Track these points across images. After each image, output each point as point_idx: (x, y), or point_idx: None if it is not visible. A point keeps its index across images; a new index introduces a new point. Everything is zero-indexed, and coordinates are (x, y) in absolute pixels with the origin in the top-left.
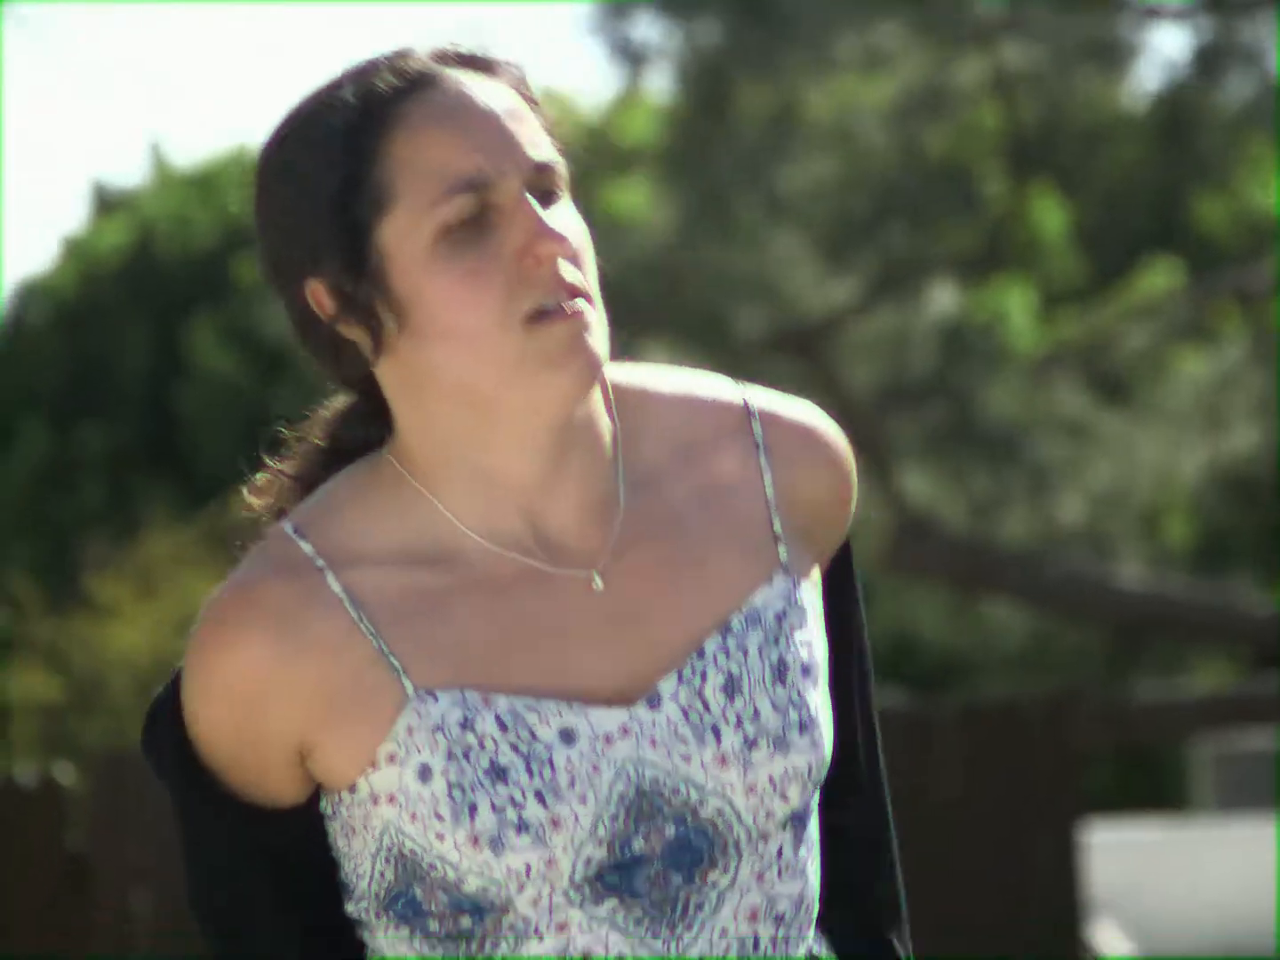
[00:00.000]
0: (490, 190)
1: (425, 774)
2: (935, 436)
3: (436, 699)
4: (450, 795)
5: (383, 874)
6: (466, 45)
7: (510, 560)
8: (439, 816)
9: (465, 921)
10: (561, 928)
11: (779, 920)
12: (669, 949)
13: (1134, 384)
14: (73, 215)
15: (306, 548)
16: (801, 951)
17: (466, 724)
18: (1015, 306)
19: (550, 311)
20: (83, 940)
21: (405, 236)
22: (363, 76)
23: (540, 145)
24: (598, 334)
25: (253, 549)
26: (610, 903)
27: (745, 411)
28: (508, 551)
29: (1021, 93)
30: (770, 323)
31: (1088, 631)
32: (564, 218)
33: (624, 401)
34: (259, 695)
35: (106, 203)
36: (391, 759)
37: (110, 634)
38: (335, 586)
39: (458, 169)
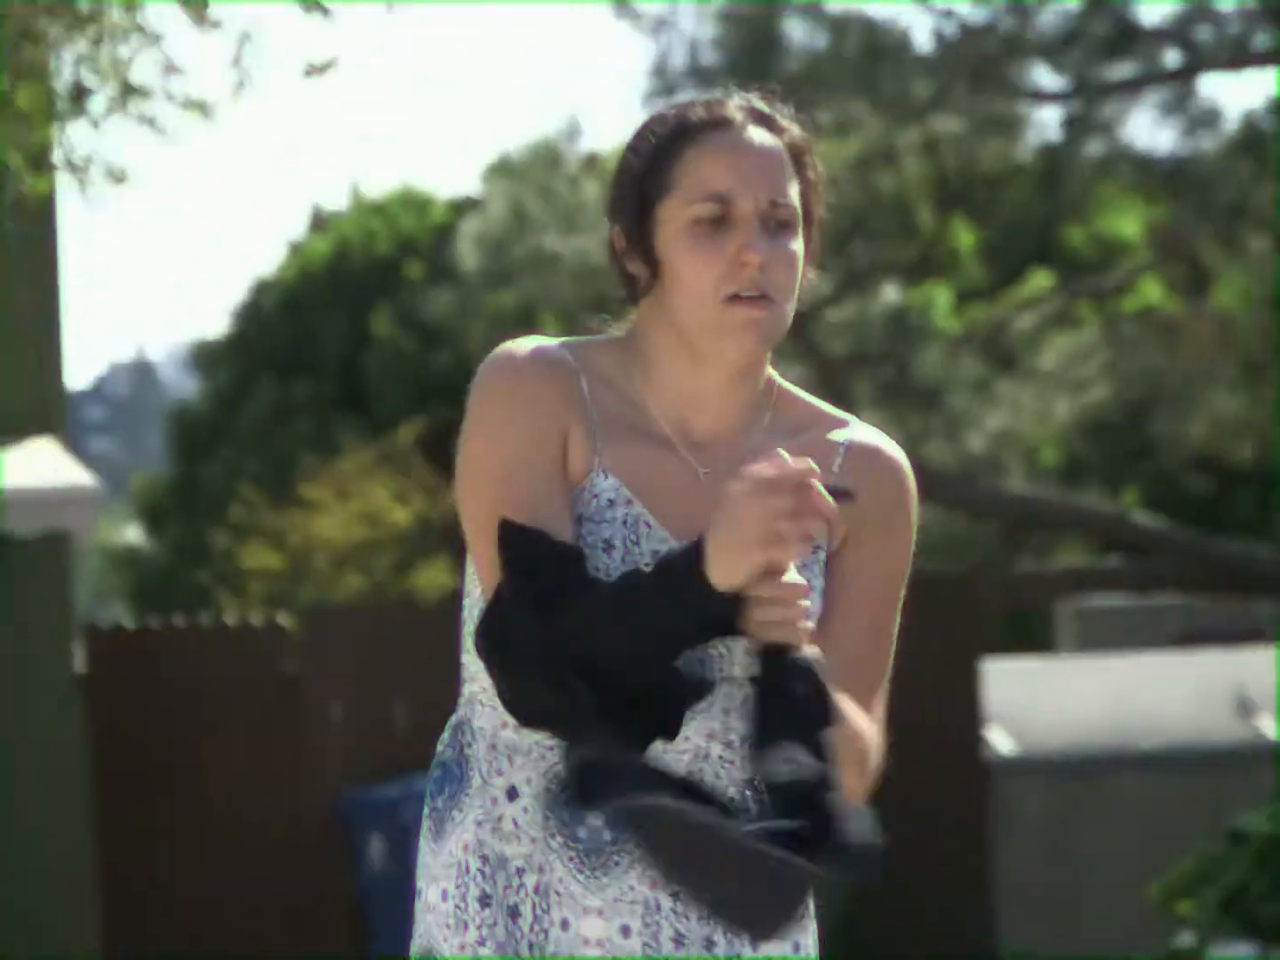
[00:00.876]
0: (731, 206)
1: (579, 520)
2: (884, 390)
3: (606, 477)
4: (584, 539)
5: None
6: (765, 105)
7: (669, 437)
8: None
9: None
10: None
11: (728, 745)
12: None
13: (1020, 356)
14: (295, 229)
15: (569, 354)
16: (739, 775)
17: (611, 504)
18: (939, 301)
19: (743, 298)
20: (294, 739)
21: (672, 216)
22: (688, 108)
23: (781, 189)
24: (772, 327)
25: (528, 339)
26: None
27: (843, 423)
28: (670, 430)
29: (945, 150)
30: None
31: (988, 525)
32: (781, 244)
33: (784, 393)
34: (545, 400)
35: (319, 220)
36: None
37: (315, 523)
38: (583, 380)
39: (715, 184)
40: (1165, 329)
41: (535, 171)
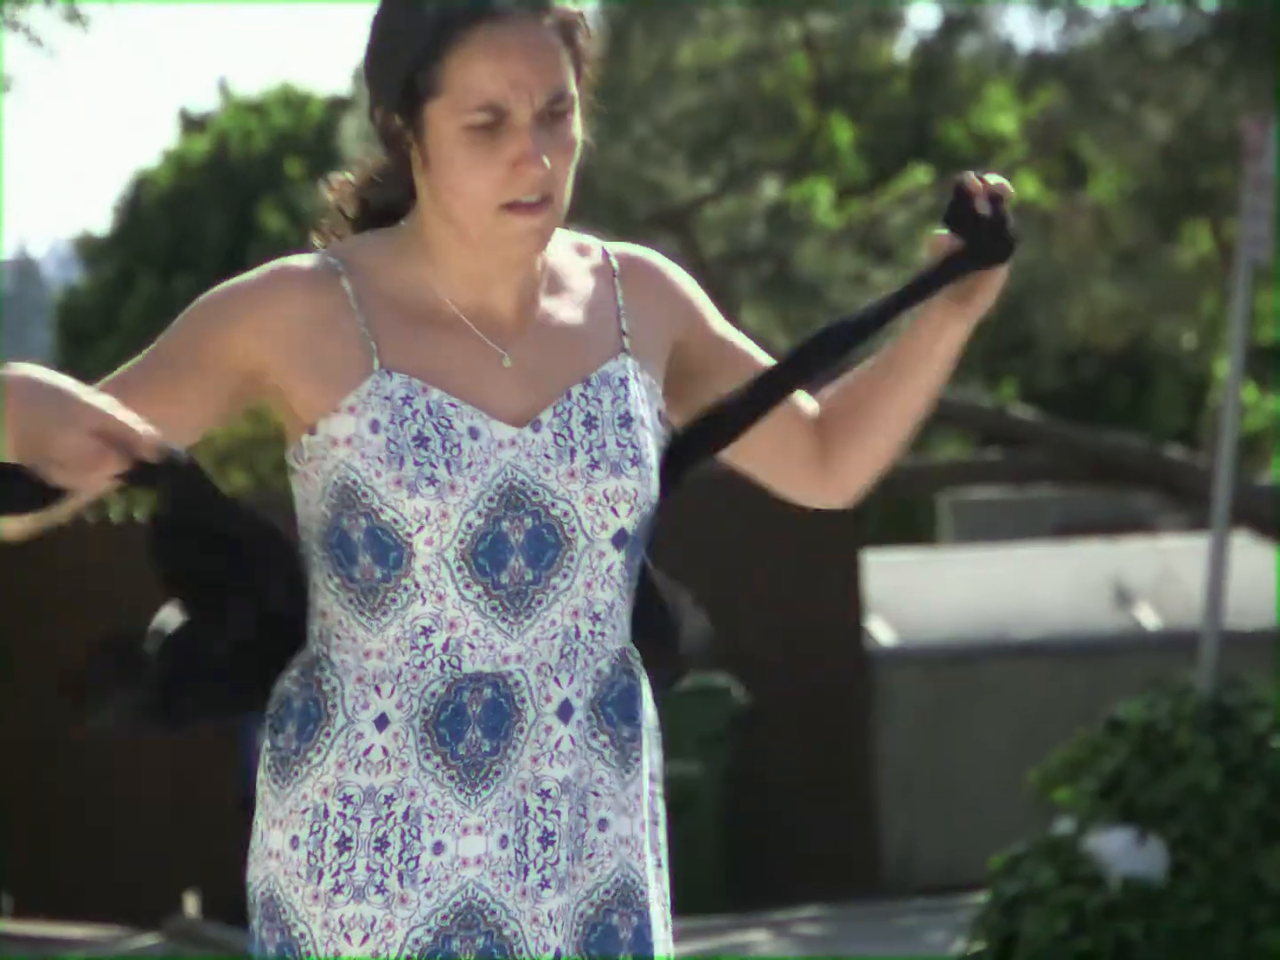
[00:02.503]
0: (506, 114)
1: (374, 427)
2: (764, 285)
3: (392, 377)
4: (388, 446)
5: (324, 514)
6: None
7: (463, 321)
8: (379, 460)
9: (377, 573)
10: (440, 599)
11: (595, 618)
12: (510, 632)
13: (898, 249)
14: (169, 128)
15: (332, 259)
16: (613, 647)
17: (407, 400)
18: (819, 196)
19: (522, 205)
20: None
21: (442, 118)
22: None
23: (557, 84)
24: (552, 226)
25: (289, 257)
26: (477, 589)
27: (606, 255)
28: (464, 315)
29: (824, 48)
30: (654, 207)
31: None
32: (559, 134)
33: (551, 247)
34: (252, 323)
35: (190, 122)
36: (351, 410)
37: None
38: (345, 284)
39: (486, 94)
40: (1042, 222)
41: None
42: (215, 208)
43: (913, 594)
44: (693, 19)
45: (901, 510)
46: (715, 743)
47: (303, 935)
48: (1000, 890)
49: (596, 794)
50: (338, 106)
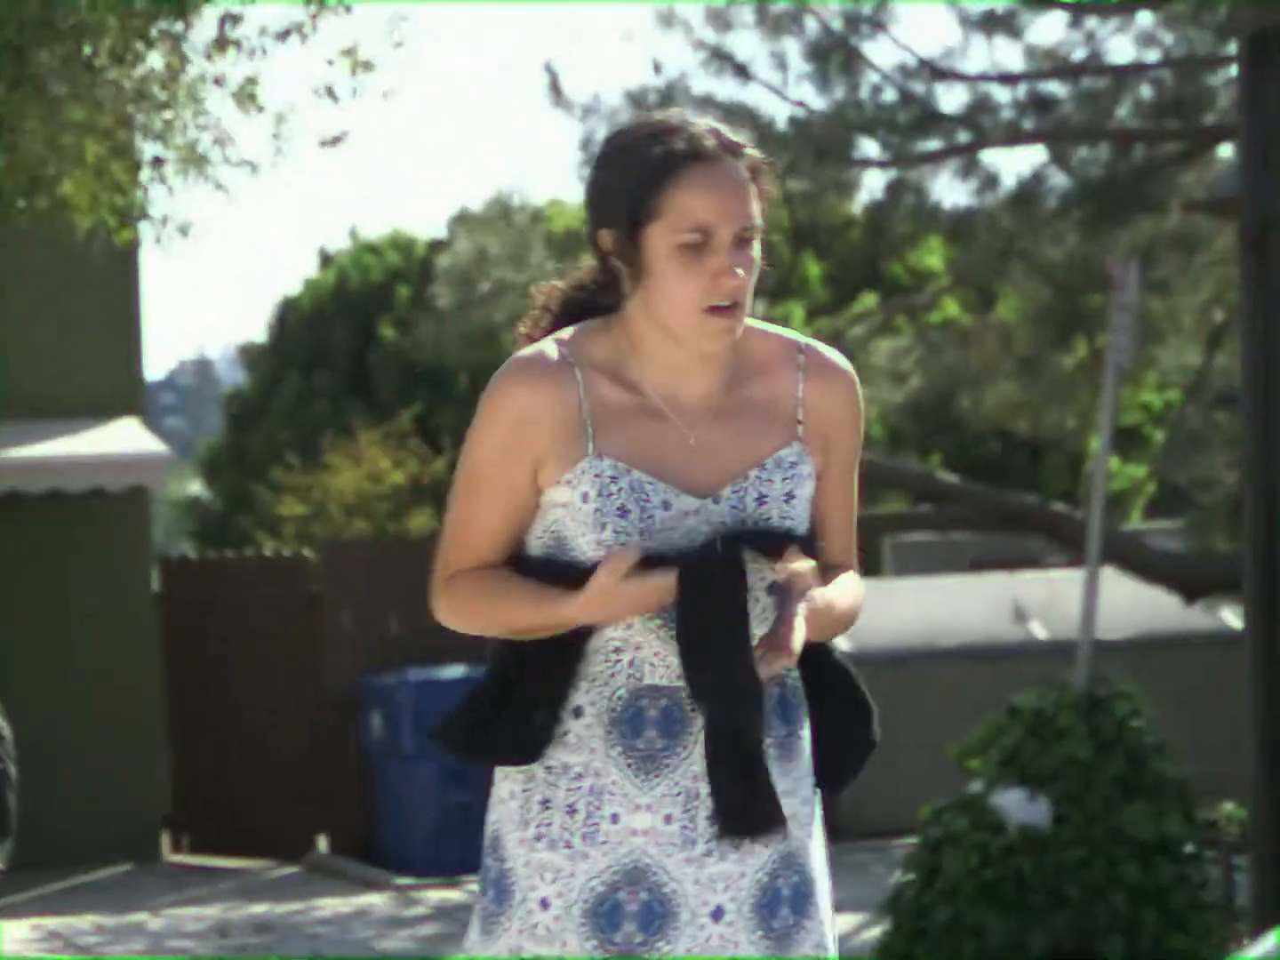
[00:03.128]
0: (712, 235)
1: (585, 498)
2: None
3: (602, 460)
4: (594, 514)
5: (541, 547)
6: (729, 133)
7: (661, 408)
8: (586, 524)
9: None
10: (629, 626)
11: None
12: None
13: (855, 356)
14: (307, 264)
15: (566, 351)
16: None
17: (614, 479)
18: (794, 315)
19: (720, 309)
20: (316, 641)
21: (659, 237)
22: (673, 135)
23: (749, 214)
24: (740, 326)
25: (534, 346)
26: (659, 620)
27: (797, 347)
28: (662, 402)
29: (797, 204)
30: None
31: None
32: (747, 255)
33: (749, 335)
34: (525, 419)
35: (326, 257)
36: (569, 483)
37: (333, 481)
38: (577, 374)
39: (699, 218)
40: (961, 336)
41: (492, 220)
42: (341, 323)
43: (864, 613)
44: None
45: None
46: None
47: (511, 869)
48: (927, 835)
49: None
50: (435, 246)
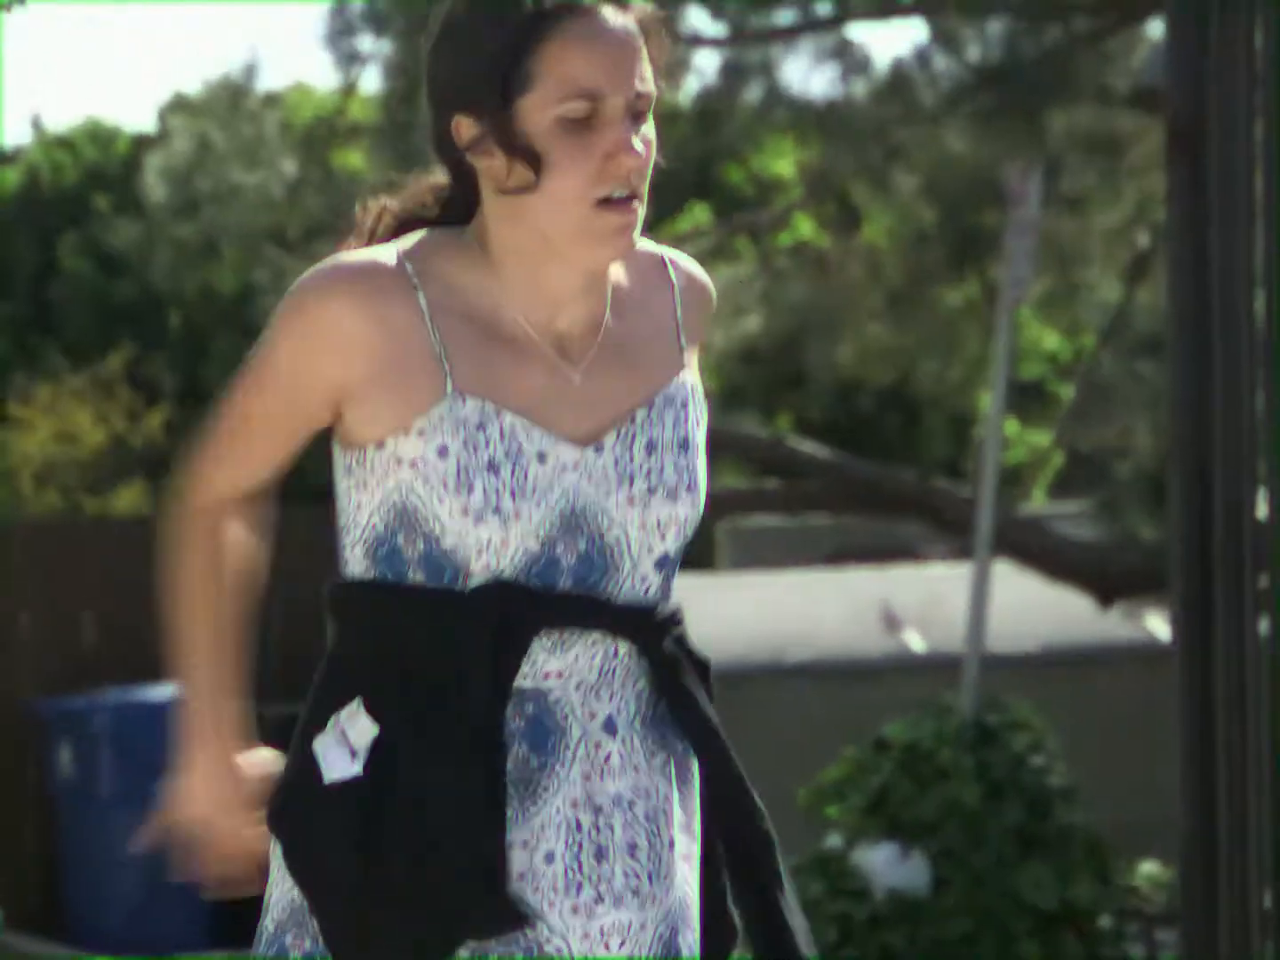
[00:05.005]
0: (600, 103)
1: (443, 452)
2: None
3: (465, 402)
4: (457, 472)
5: (374, 525)
6: None
7: (534, 339)
8: (445, 485)
9: (419, 578)
10: None
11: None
12: (552, 649)
13: None
14: None
15: (409, 266)
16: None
17: (481, 426)
18: None
19: (614, 201)
20: None
21: (536, 110)
22: None
23: (643, 77)
24: (638, 227)
25: (368, 250)
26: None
27: (664, 260)
28: (534, 333)
29: None
30: None
31: None
32: (644, 133)
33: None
34: (340, 344)
35: (3, 155)
36: (421, 433)
37: (19, 439)
38: (421, 298)
39: (582, 82)
40: (817, 263)
41: (217, 108)
42: (24, 238)
43: (693, 618)
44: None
45: None
46: None
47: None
48: None
49: (667, 813)
50: (141, 142)
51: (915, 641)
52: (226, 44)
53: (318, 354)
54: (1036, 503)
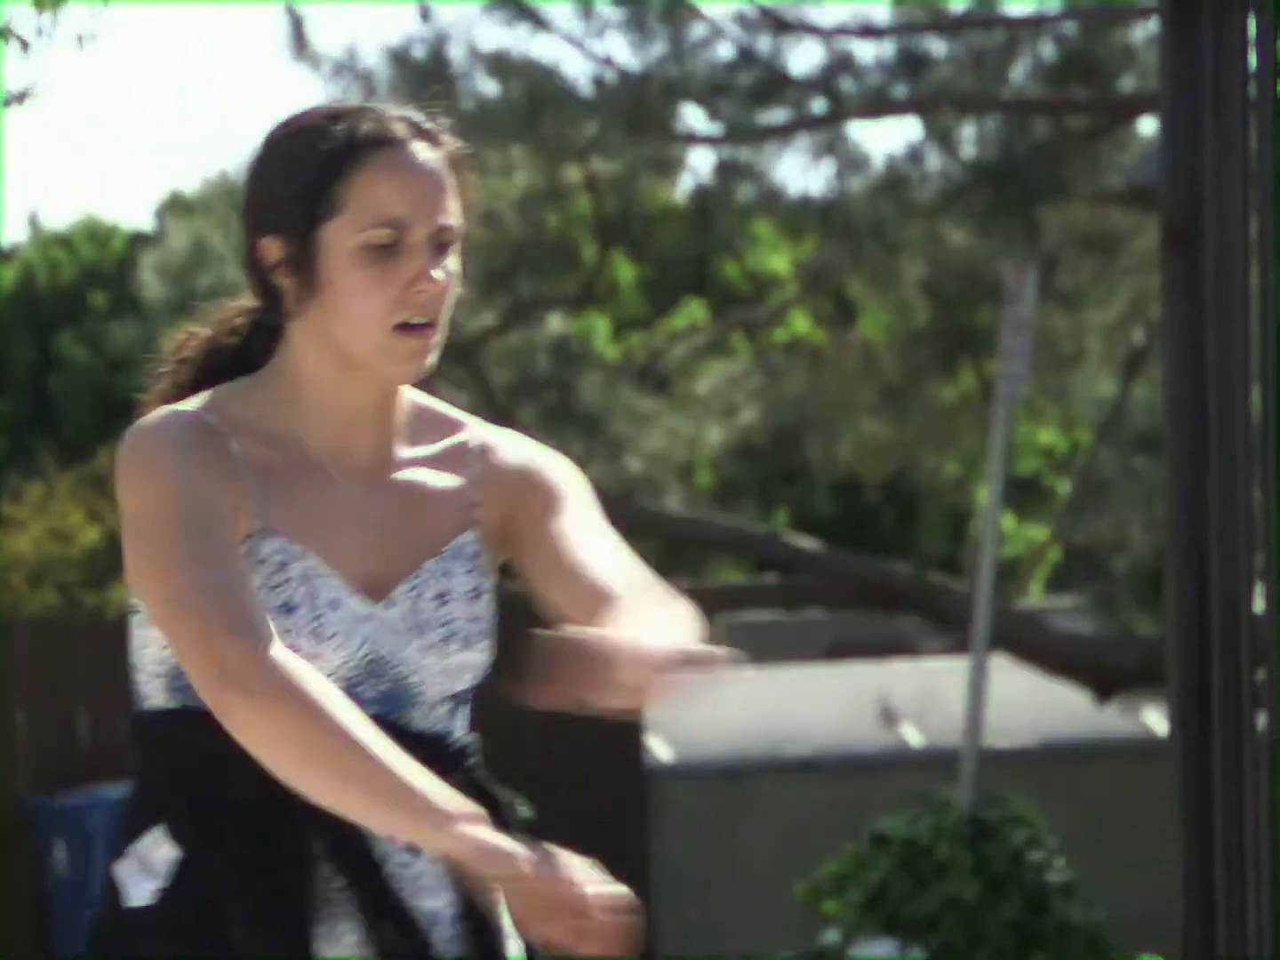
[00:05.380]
0: (405, 232)
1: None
2: (548, 416)
3: (272, 538)
4: (262, 605)
5: (165, 658)
6: (425, 120)
7: (326, 468)
8: None
9: None
10: None
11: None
12: None
13: (676, 382)
14: None
15: (212, 417)
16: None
17: (282, 565)
18: (599, 330)
19: (413, 327)
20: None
21: (340, 237)
22: (352, 119)
23: (449, 211)
24: (433, 353)
25: (164, 409)
26: None
27: (463, 428)
28: (332, 460)
29: (605, 190)
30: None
31: (646, 545)
32: (446, 265)
33: (419, 408)
34: (196, 468)
35: (0, 253)
36: None
37: (12, 539)
38: (233, 444)
39: (388, 211)
40: (812, 358)
41: (214, 206)
42: (21, 336)
43: (690, 712)
44: (479, 159)
45: None
46: None
47: None
48: None
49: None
50: (139, 241)
51: (912, 735)
52: (222, 142)
53: (197, 468)
54: (1033, 597)
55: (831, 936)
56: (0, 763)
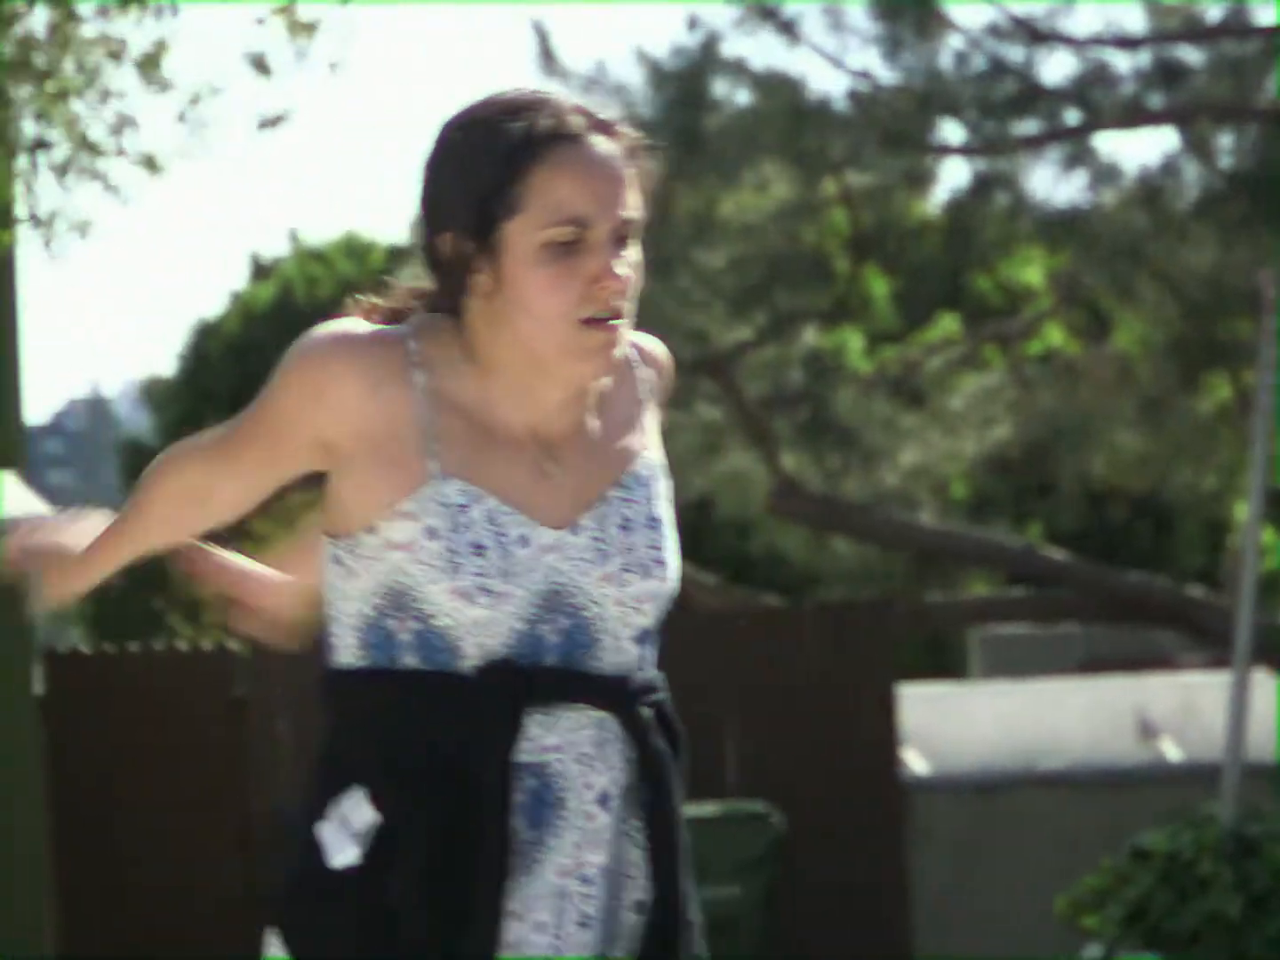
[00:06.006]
0: (587, 229)
1: (432, 534)
2: (802, 429)
3: (449, 484)
4: (446, 553)
5: (363, 611)
6: (605, 112)
7: (518, 437)
8: (435, 567)
9: (412, 660)
10: None
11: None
12: (547, 724)
13: (930, 396)
14: (238, 276)
15: (414, 345)
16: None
17: (464, 509)
18: (853, 344)
19: (599, 320)
20: (240, 760)
21: (521, 235)
22: (532, 112)
23: (630, 205)
24: (621, 346)
25: (378, 326)
26: None
27: (628, 359)
28: (519, 432)
29: (859, 204)
30: (696, 352)
31: (901, 557)
32: (629, 258)
33: None
34: (331, 398)
35: (260, 268)
36: (410, 515)
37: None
38: (418, 377)
39: (569, 208)
40: (1067, 371)
41: None
42: (279, 350)
43: (945, 725)
44: (735, 175)
45: (934, 644)
46: (754, 867)
47: None
48: None
49: (630, 876)
50: (398, 255)
51: (1171, 750)
52: None
53: (311, 405)
54: None
55: (1093, 951)
56: (262, 773)
